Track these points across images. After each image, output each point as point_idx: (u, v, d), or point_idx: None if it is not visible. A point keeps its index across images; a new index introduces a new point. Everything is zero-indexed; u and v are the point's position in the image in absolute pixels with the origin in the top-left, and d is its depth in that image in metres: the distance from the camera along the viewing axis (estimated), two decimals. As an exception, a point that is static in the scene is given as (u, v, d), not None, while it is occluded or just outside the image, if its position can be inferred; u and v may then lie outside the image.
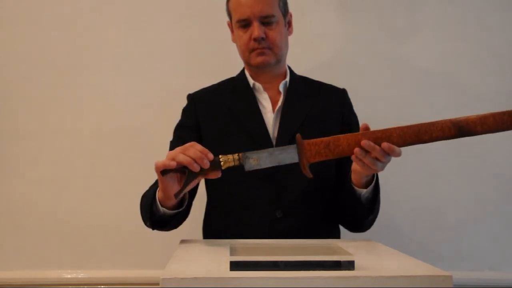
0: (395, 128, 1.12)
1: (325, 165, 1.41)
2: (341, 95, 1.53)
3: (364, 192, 1.28)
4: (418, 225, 1.94)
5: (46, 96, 1.92)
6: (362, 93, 1.88)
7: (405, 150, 1.14)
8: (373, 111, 1.91)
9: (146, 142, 1.91)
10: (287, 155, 1.16)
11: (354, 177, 1.26)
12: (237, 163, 1.14)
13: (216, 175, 1.15)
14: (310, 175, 1.15)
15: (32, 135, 1.91)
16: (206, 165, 1.11)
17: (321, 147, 1.14)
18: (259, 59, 1.42)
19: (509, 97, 1.95)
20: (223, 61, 1.81)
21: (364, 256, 1.03)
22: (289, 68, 1.53)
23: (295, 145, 1.15)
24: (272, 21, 1.41)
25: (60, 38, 1.93)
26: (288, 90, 1.47)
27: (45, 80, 1.92)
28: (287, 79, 1.49)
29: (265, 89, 1.47)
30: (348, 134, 1.14)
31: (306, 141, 1.15)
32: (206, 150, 1.13)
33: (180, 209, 1.27)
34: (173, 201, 1.22)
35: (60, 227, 1.90)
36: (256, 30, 1.39)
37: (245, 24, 1.41)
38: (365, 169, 1.16)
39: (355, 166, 1.21)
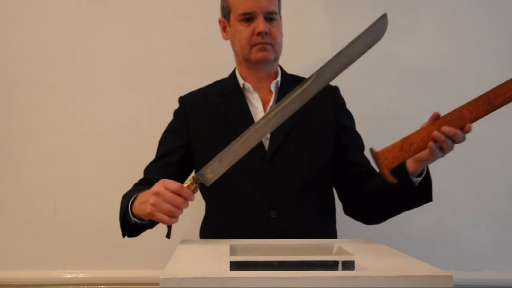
0: (463, 106, 1.12)
1: (320, 163, 1.41)
2: (333, 92, 1.51)
3: (419, 179, 1.24)
4: (418, 225, 1.94)
5: (44, 96, 1.92)
6: (361, 93, 1.89)
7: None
8: (371, 111, 1.92)
9: (146, 142, 1.90)
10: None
11: (414, 167, 1.21)
12: (196, 184, 1.18)
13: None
14: (394, 180, 1.13)
15: (32, 135, 1.91)
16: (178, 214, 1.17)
17: (395, 152, 1.13)
18: (260, 54, 1.41)
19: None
20: (220, 61, 1.81)
21: (364, 256, 1.03)
22: (280, 67, 1.52)
23: None
24: (275, 18, 1.42)
25: (58, 38, 1.93)
26: (280, 90, 1.46)
27: (42, 80, 1.92)
28: (279, 78, 1.48)
29: (256, 89, 1.47)
30: (419, 130, 1.14)
31: (380, 152, 1.13)
32: (188, 198, 1.16)
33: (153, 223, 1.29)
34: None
35: (60, 227, 1.90)
36: (262, 24, 1.38)
37: (248, 18, 1.40)
38: (435, 156, 1.14)
39: (416, 158, 1.18)
